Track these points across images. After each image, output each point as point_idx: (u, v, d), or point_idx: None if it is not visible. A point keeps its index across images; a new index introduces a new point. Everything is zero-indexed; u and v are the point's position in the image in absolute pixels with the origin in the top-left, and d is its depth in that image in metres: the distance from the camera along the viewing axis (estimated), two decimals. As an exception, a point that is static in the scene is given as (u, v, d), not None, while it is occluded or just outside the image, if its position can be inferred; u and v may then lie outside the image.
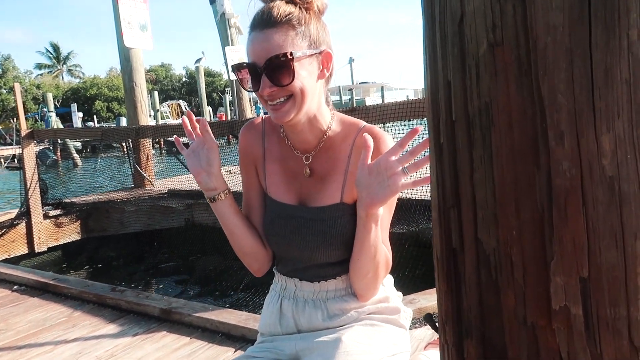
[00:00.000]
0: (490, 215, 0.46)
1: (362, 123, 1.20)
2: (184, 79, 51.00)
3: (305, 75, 1.08)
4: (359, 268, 1.17)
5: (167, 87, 48.79)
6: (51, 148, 17.31)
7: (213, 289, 3.88)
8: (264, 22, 1.06)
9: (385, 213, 1.17)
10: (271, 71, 1.05)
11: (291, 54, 1.05)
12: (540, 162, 0.42)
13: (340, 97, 36.13)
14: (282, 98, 1.07)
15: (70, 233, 5.58)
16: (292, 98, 1.08)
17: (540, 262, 0.43)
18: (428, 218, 3.52)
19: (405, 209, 3.58)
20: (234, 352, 1.80)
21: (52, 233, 5.45)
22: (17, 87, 5.44)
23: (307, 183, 1.21)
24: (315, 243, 1.20)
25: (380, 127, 1.23)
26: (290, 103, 1.08)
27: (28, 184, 5.27)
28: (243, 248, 1.27)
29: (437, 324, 0.62)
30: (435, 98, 0.51)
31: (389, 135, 1.17)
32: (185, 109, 32.77)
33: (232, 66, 1.11)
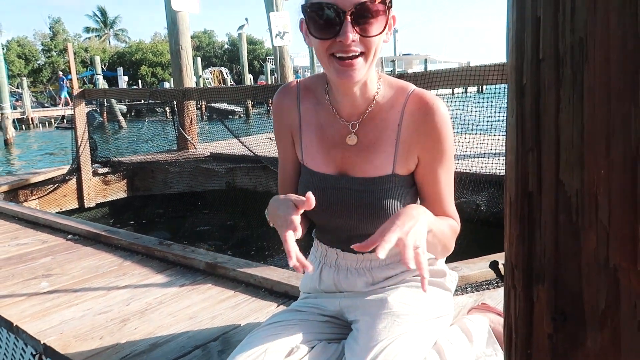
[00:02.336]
0: (575, 156, 0.45)
1: (411, 87, 1.12)
2: (226, 46, 51.17)
3: (385, 30, 1.00)
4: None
5: (210, 53, 49.11)
6: (98, 110, 17.84)
7: (253, 250, 3.98)
8: None
9: (444, 174, 1.13)
10: (360, 17, 0.94)
11: (390, 2, 0.96)
12: (639, 99, 0.41)
13: (382, 68, 35.41)
14: (357, 51, 0.97)
15: (117, 191, 5.79)
16: (364, 55, 0.99)
17: (629, 202, 0.42)
18: (471, 191, 3.47)
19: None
20: (277, 307, 1.85)
21: (101, 190, 5.67)
22: (70, 47, 5.61)
23: (349, 152, 1.15)
24: (362, 215, 1.16)
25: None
26: (362, 60, 0.99)
27: (79, 142, 5.48)
28: None
29: (502, 272, 0.62)
30: (520, 36, 0.50)
31: (440, 102, 1.10)
32: (227, 76, 32.99)
33: (302, 5, 1.00)
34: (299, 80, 1.26)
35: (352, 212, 1.17)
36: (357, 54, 0.97)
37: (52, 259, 2.60)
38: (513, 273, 0.54)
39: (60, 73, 29.80)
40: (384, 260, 1.24)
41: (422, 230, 0.93)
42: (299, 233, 0.99)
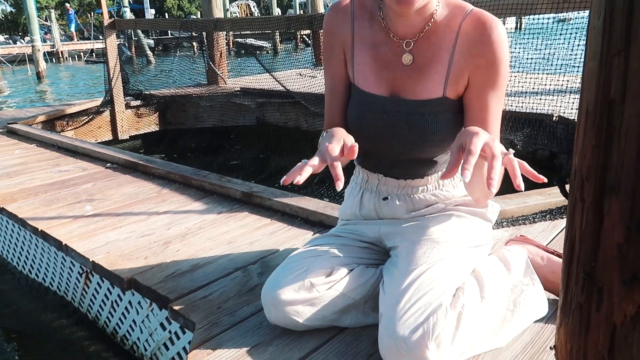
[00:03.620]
0: (670, 56, 0.43)
1: (469, 6, 1.09)
2: (253, -22, 49.52)
3: None
4: (476, 189, 1.09)
5: (237, -14, 47.68)
6: (126, 45, 17.78)
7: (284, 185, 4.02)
8: None
9: (493, 100, 1.10)
10: None
11: None
12: None
13: None
14: None
15: (150, 124, 5.86)
16: None
17: None
18: (509, 128, 3.38)
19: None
20: (313, 235, 1.89)
21: (133, 123, 5.75)
22: (99, -24, 5.49)
23: (402, 73, 1.13)
24: (411, 138, 1.15)
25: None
26: None
27: (111, 74, 5.50)
28: None
29: (566, 188, 0.61)
30: None
31: (499, 23, 1.06)
32: (255, 9, 32.18)
33: None
34: None
35: (401, 136, 1.16)
36: None
37: (93, 185, 2.69)
38: (582, 186, 0.53)
39: (68, 5, 29.02)
40: (425, 187, 1.25)
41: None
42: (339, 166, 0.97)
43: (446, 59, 1.09)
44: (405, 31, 1.10)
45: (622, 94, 0.47)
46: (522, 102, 3.62)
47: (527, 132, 3.50)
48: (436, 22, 1.09)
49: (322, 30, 1.27)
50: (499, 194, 2.13)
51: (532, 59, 3.89)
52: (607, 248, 0.50)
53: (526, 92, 3.85)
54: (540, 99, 3.76)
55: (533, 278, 1.29)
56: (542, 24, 3.22)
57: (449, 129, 1.13)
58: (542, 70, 3.99)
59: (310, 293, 1.20)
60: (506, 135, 3.48)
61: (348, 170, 1.31)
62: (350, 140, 1.03)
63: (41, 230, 2.08)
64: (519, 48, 3.93)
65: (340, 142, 1.01)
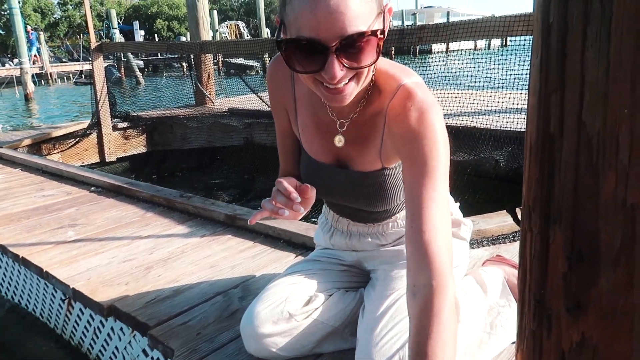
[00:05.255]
0: (599, 95, 0.45)
1: (403, 79, 0.97)
2: (242, -1, 50.14)
3: (378, 55, 0.85)
4: None
5: (226, 7, 48.25)
6: (115, 66, 17.84)
7: (271, 204, 4.03)
8: None
9: (426, 188, 0.91)
10: (346, 52, 0.81)
11: (382, 31, 0.82)
12: (667, 34, 0.40)
13: (403, 22, 34.59)
14: (346, 80, 0.85)
15: (137, 145, 5.86)
16: (356, 76, 0.87)
17: (650, 141, 0.42)
18: (491, 146, 3.43)
19: (468, 137, 3.50)
20: (295, 257, 1.90)
21: (121, 145, 5.75)
22: (87, 0, 5.54)
23: (343, 146, 1.09)
24: (362, 203, 1.15)
25: (423, 84, 0.99)
26: (355, 81, 0.88)
27: (98, 96, 5.51)
28: None
29: (518, 217, 0.63)
30: (548, -26, 0.48)
31: (426, 103, 0.93)
32: (244, 30, 32.47)
33: (277, 42, 0.85)
34: None
35: (352, 201, 1.16)
36: (346, 81, 0.85)
37: (77, 210, 2.68)
38: (530, 216, 0.55)
39: (29, 28, 27.80)
40: (395, 223, 1.24)
41: None
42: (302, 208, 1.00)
43: (379, 136, 1.03)
44: (339, 111, 1.04)
45: (560, 129, 0.49)
46: (505, 120, 3.68)
47: (509, 149, 3.55)
48: (368, 102, 1.01)
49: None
50: (480, 213, 2.16)
51: (515, 76, 3.95)
52: (553, 276, 0.52)
53: (510, 109, 3.91)
54: (523, 116, 3.81)
55: (509, 299, 1.30)
56: (525, 40, 3.27)
57: (398, 189, 1.11)
58: (523, 87, 4.05)
59: (289, 323, 1.20)
60: (490, 153, 3.52)
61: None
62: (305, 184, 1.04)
63: (22, 257, 2.07)
64: (502, 65, 3.99)
65: (293, 183, 1.02)
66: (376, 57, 0.84)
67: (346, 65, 0.82)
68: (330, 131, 1.08)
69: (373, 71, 0.97)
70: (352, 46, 0.80)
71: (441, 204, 0.91)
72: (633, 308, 0.47)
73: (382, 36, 0.82)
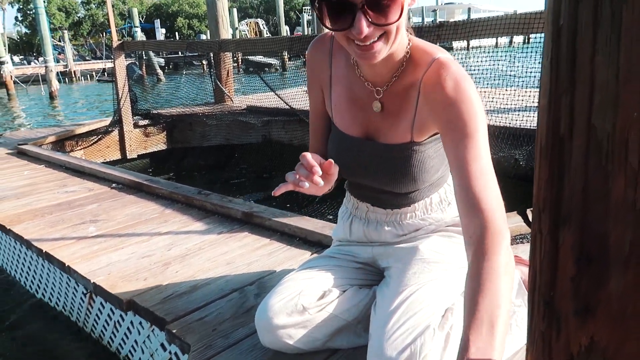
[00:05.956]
0: (609, 98, 0.44)
1: (437, 53, 1.03)
2: (262, -3, 50.30)
3: (406, 5, 0.92)
4: None
5: (245, 4, 48.50)
6: (137, 64, 18.07)
7: (288, 202, 4.06)
8: None
9: (469, 153, 0.93)
10: (373, 7, 0.88)
11: None
12: (676, 38, 0.40)
13: (423, 19, 34.33)
14: (375, 38, 0.92)
15: (157, 143, 5.94)
16: (385, 35, 0.93)
17: (660, 144, 0.42)
18: (510, 145, 3.39)
19: (489, 136, 3.45)
20: (310, 255, 1.91)
21: (141, 142, 5.83)
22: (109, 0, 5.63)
23: (374, 117, 1.13)
24: (385, 179, 1.17)
25: (458, 61, 1.04)
26: (383, 41, 0.94)
27: (119, 94, 5.60)
28: None
29: (529, 218, 0.62)
30: (558, -24, 0.48)
31: (459, 74, 0.98)
32: (263, 27, 32.59)
33: (311, 1, 0.93)
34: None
35: (377, 176, 1.18)
36: (375, 39, 0.92)
37: (99, 206, 2.73)
38: (540, 217, 0.55)
39: None
40: (413, 213, 1.25)
41: None
42: (321, 182, 1.00)
43: (412, 108, 1.07)
44: (375, 79, 1.09)
45: (570, 131, 0.49)
46: (526, 118, 3.62)
47: (529, 148, 3.50)
48: (404, 71, 1.06)
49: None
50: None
51: (537, 73, 3.89)
52: (563, 279, 0.52)
53: (531, 107, 3.85)
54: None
55: (525, 300, 1.29)
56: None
57: (423, 167, 1.13)
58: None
59: (302, 316, 1.21)
60: (509, 152, 3.48)
61: (341, 190, 1.33)
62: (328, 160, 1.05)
63: (45, 251, 2.12)
64: (523, 62, 3.93)
65: (315, 159, 1.03)
66: (400, 14, 0.89)
67: (372, 22, 0.88)
68: (364, 105, 1.12)
69: (409, 45, 1.03)
70: (377, 4, 0.87)
71: (485, 160, 0.93)
72: (642, 311, 0.47)
73: None
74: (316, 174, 0.99)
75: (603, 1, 0.44)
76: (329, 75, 1.17)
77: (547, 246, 0.54)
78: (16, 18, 42.04)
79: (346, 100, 1.15)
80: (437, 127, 1.04)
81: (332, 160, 1.04)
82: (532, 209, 0.59)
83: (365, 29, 0.88)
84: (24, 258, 2.55)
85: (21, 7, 40.69)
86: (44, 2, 17.01)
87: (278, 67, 20.65)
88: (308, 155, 1.02)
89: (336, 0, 0.88)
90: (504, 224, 0.86)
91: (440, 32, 2.76)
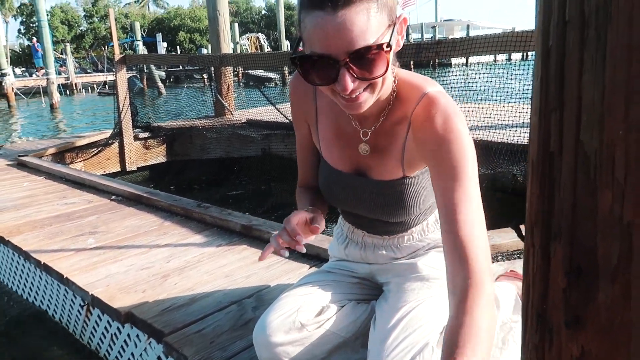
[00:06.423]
0: (596, 117, 0.46)
1: (426, 87, 1.00)
2: (263, 12, 50.83)
3: (391, 56, 0.88)
4: None
5: (247, 19, 48.96)
6: (138, 77, 18.19)
7: (288, 214, 4.07)
8: None
9: (456, 190, 0.92)
10: (356, 64, 0.85)
11: (388, 44, 0.84)
12: (658, 60, 0.42)
13: (422, 35, 34.61)
14: (360, 90, 0.89)
15: (157, 155, 5.97)
16: (370, 86, 0.90)
17: (644, 161, 0.44)
18: (508, 160, 3.42)
19: (485, 151, 3.48)
20: (309, 268, 1.92)
21: (141, 154, 5.86)
22: (112, 13, 5.71)
23: (364, 155, 1.12)
24: (379, 212, 1.16)
25: (446, 92, 1.01)
26: (369, 91, 0.91)
27: (120, 107, 5.64)
28: None
29: (522, 233, 0.64)
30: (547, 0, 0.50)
31: (450, 109, 0.96)
32: (264, 42, 32.86)
33: (292, 58, 0.89)
34: None
35: (370, 210, 1.18)
36: (361, 91, 0.89)
37: (98, 218, 2.74)
38: (532, 231, 0.56)
39: (35, 40, 27.12)
40: (410, 236, 1.25)
41: None
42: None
43: (401, 145, 1.05)
44: (362, 120, 1.07)
45: (559, 147, 0.51)
46: (524, 133, 3.66)
47: (527, 164, 3.52)
48: (391, 111, 1.03)
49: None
50: (496, 227, 2.15)
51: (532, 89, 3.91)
52: (554, 291, 0.53)
53: (527, 123, 3.88)
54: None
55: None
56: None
57: (417, 199, 1.13)
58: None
59: (301, 333, 1.21)
60: (507, 167, 3.50)
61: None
62: (316, 219, 1.08)
63: (44, 263, 2.13)
64: (520, 78, 3.97)
65: (302, 220, 1.06)
66: (386, 68, 0.87)
67: (357, 77, 0.86)
68: (352, 140, 1.11)
69: (395, 82, 1.01)
70: (361, 59, 0.84)
71: (474, 205, 0.92)
72: (630, 322, 0.48)
73: (388, 49, 0.85)
74: (299, 243, 1.02)
75: (589, 22, 0.46)
76: (314, 109, 1.15)
77: (539, 260, 0.55)
78: (19, 30, 42.41)
79: (333, 134, 1.13)
80: (425, 164, 1.03)
81: (319, 227, 1.06)
82: (524, 223, 0.60)
83: (350, 84, 0.86)
84: (22, 270, 2.55)
85: (24, 19, 41.07)
86: (47, 15, 17.15)
87: (278, 82, 20.78)
88: (293, 222, 1.04)
89: (319, 58, 0.85)
90: (488, 276, 0.87)
91: (438, 49, 2.80)
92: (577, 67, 0.48)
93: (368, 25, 0.82)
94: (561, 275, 0.52)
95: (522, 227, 0.69)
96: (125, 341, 1.85)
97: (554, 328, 0.54)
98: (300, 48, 0.90)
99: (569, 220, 0.51)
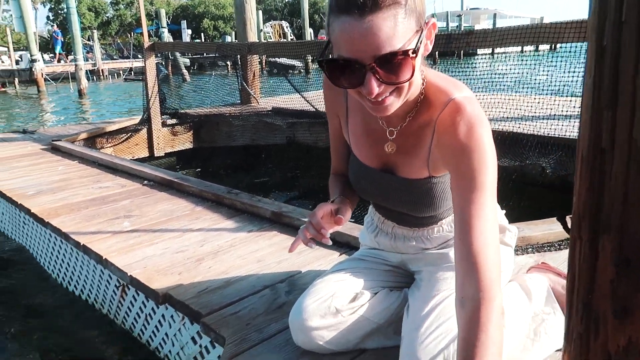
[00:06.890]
0: (650, 115, 0.48)
1: (453, 93, 1.00)
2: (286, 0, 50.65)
3: (418, 62, 0.89)
4: None
5: (270, 7, 48.87)
6: (163, 63, 18.34)
7: (317, 203, 4.11)
8: (362, 4, 0.82)
9: (472, 202, 0.95)
10: (382, 69, 0.86)
11: (414, 51, 0.85)
12: None
13: (447, 23, 34.10)
14: (387, 94, 0.91)
15: (184, 142, 6.06)
16: (396, 90, 0.92)
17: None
18: (537, 153, 3.38)
19: (514, 143, 3.45)
20: (339, 255, 1.95)
21: (169, 140, 5.95)
22: (141, 2, 5.77)
23: (389, 153, 1.14)
24: (407, 208, 1.19)
25: (474, 98, 1.01)
26: (395, 95, 0.92)
27: (149, 94, 5.73)
28: None
29: (568, 225, 0.66)
30: (604, -1, 0.52)
31: (475, 119, 0.96)
32: (287, 30, 32.78)
33: (319, 61, 0.91)
34: None
35: (396, 205, 1.21)
36: (387, 94, 0.91)
37: (131, 202, 2.82)
38: (580, 224, 0.58)
39: (55, 26, 28.52)
40: (440, 228, 1.27)
41: None
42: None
43: (426, 147, 1.06)
44: (389, 120, 1.09)
45: (611, 144, 0.52)
46: (553, 126, 3.61)
47: (557, 157, 3.48)
48: (419, 110, 1.04)
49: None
50: (525, 219, 2.15)
51: (566, 82, 3.86)
52: (601, 282, 0.55)
53: (558, 116, 3.83)
54: (571, 123, 3.72)
55: (554, 307, 1.31)
56: (576, 47, 3.19)
57: (444, 196, 1.14)
58: (574, 94, 3.95)
59: (336, 318, 1.25)
60: (536, 160, 3.47)
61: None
62: (341, 210, 1.15)
63: (83, 244, 2.21)
64: (551, 70, 3.91)
65: (327, 212, 1.14)
66: (412, 73, 0.88)
67: (383, 81, 0.88)
68: (379, 138, 1.13)
69: (423, 84, 1.02)
70: (387, 64, 0.85)
71: (489, 219, 0.94)
72: (678, 313, 0.50)
73: (414, 55, 0.86)
74: (324, 236, 1.09)
75: (647, 24, 0.48)
76: (345, 106, 1.18)
77: (586, 251, 0.57)
78: (47, 17, 43.18)
79: (362, 131, 1.16)
80: (447, 170, 1.06)
81: (342, 217, 1.12)
82: (571, 216, 0.62)
83: (376, 88, 0.87)
84: (58, 251, 2.65)
85: (53, 6, 41.75)
86: (75, 2, 17.40)
87: (302, 70, 20.77)
88: (318, 216, 1.10)
89: (345, 62, 0.87)
90: (498, 288, 0.91)
91: (469, 40, 2.78)
92: (632, 66, 0.49)
93: (395, 30, 0.83)
94: (610, 266, 0.54)
95: (568, 220, 0.71)
96: (159, 321, 1.92)
97: (600, 317, 0.56)
98: (330, 52, 0.93)
99: (619, 213, 0.52)
